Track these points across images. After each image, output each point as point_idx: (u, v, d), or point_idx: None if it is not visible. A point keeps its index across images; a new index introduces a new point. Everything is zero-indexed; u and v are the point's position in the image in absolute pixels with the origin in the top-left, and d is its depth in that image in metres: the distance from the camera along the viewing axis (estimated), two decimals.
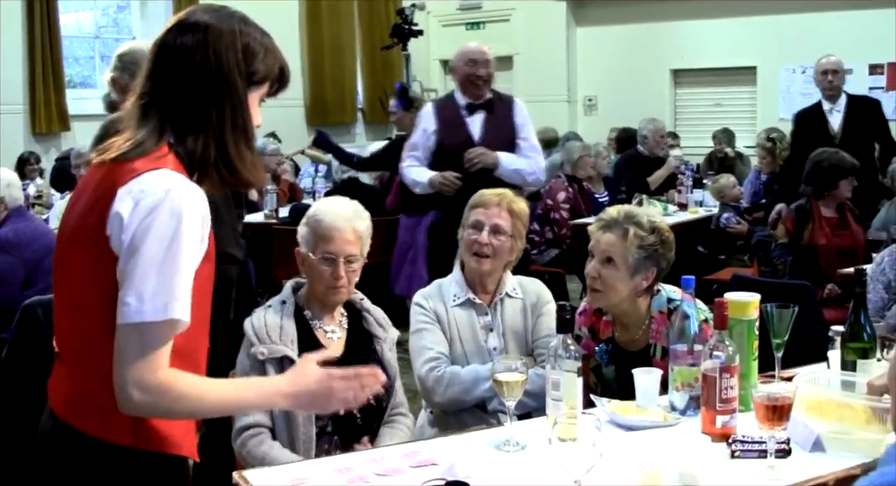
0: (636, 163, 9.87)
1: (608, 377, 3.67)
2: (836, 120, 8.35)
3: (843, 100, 8.41)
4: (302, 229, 3.49)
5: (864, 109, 8.46)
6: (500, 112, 6.52)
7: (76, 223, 2.27)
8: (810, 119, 8.50)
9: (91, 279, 2.20)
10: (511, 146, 6.42)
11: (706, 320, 3.35)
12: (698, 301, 3.42)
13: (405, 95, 9.19)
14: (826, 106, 8.42)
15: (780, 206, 7.54)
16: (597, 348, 3.68)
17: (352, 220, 3.50)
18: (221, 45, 2.26)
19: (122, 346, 2.15)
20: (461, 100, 6.52)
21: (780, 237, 6.87)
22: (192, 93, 2.25)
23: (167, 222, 2.14)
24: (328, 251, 3.44)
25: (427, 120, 6.57)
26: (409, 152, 6.65)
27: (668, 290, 3.62)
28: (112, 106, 4.95)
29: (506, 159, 6.35)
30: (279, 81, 2.40)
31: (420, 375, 3.75)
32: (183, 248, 2.16)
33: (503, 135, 6.45)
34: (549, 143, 12.25)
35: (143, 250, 2.12)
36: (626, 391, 3.37)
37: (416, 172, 6.50)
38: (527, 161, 6.43)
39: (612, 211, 3.63)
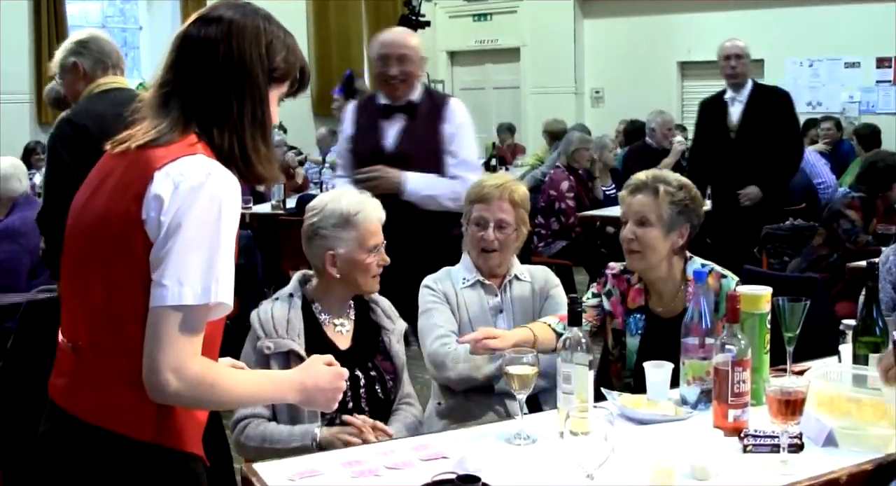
0: (644, 155, 9.84)
1: (630, 348, 3.64)
2: (736, 111, 7.68)
3: (748, 89, 7.69)
4: (335, 232, 3.44)
5: (769, 102, 7.68)
6: (424, 117, 5.07)
7: (102, 211, 2.23)
8: (711, 108, 7.91)
9: (123, 268, 2.17)
10: (436, 160, 4.99)
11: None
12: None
13: (349, 84, 8.97)
14: (729, 94, 7.77)
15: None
16: (630, 318, 3.67)
17: (378, 209, 3.53)
18: (245, 40, 2.27)
19: (159, 330, 2.12)
20: (380, 99, 5.19)
21: (856, 220, 6.80)
22: (214, 85, 2.25)
23: (208, 205, 2.14)
24: (373, 244, 3.47)
25: (347, 121, 5.28)
26: (337, 160, 5.63)
27: (699, 258, 3.69)
28: (59, 102, 4.86)
29: (414, 182, 4.92)
30: (299, 80, 2.41)
31: (430, 351, 3.73)
32: (223, 231, 2.16)
33: (425, 146, 5.00)
34: (558, 135, 12.23)
35: (183, 232, 2.11)
36: (642, 370, 3.33)
37: (338, 186, 5.05)
38: (448, 184, 4.94)
39: (640, 175, 3.68)
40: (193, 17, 2.33)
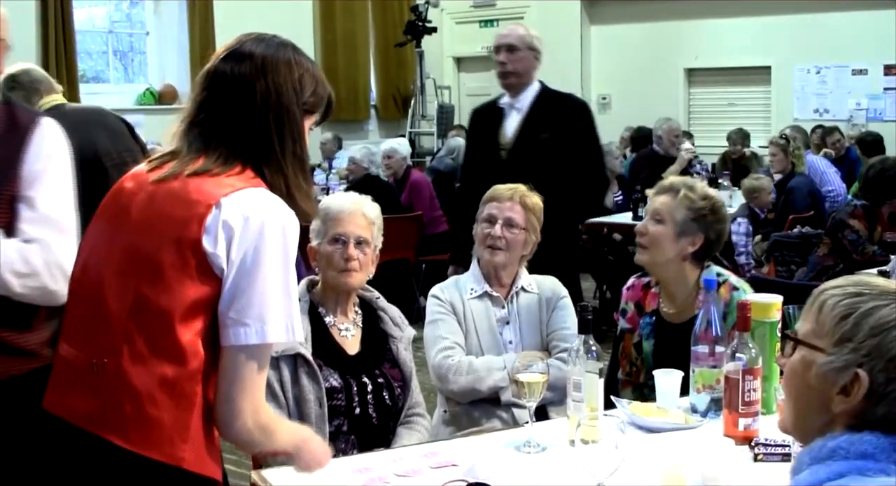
0: (652, 162, 9.83)
1: (646, 351, 3.69)
2: (512, 122, 5.53)
3: (530, 95, 5.56)
4: (314, 225, 3.47)
5: (557, 113, 5.50)
6: None
7: (154, 232, 2.20)
8: (482, 118, 5.77)
9: (177, 290, 2.15)
10: None
11: None
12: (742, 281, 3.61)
13: None
14: (505, 101, 5.62)
15: None
16: (642, 320, 3.73)
17: (360, 204, 3.51)
18: (280, 76, 2.28)
19: (239, 369, 2.16)
20: None
21: (860, 229, 6.78)
22: (255, 123, 2.26)
23: (281, 242, 2.17)
24: (337, 233, 3.43)
25: None
26: None
27: (717, 268, 3.71)
28: None
29: None
30: (326, 110, 2.42)
31: (434, 363, 3.74)
32: (292, 268, 2.19)
33: None
34: None
35: (262, 270, 2.14)
36: (659, 366, 3.36)
37: None
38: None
39: (673, 178, 3.80)
40: (221, 52, 2.33)
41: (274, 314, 2.15)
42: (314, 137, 13.49)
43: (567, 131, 5.44)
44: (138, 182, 2.31)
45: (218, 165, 2.22)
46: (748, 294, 3.47)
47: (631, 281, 3.87)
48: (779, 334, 3.17)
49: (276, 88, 2.26)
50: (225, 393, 2.17)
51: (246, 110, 2.25)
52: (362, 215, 3.48)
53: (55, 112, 4.57)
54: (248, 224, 2.14)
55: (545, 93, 5.61)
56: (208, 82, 2.30)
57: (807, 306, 1.85)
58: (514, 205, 3.87)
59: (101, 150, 4.35)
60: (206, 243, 2.14)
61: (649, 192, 3.79)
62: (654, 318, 3.71)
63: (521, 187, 3.96)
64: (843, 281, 1.83)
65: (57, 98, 4.73)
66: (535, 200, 3.95)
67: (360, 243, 3.44)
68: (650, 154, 10.06)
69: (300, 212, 2.29)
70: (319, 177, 11.22)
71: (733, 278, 3.63)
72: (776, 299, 3.19)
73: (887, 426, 1.70)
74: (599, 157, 5.76)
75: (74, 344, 2.29)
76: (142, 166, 2.35)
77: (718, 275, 3.63)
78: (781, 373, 3.14)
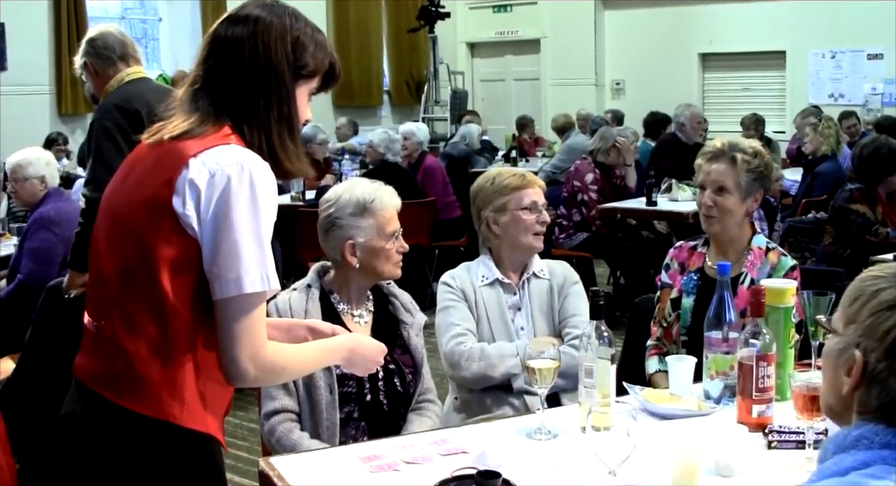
0: (675, 148, 9.78)
1: (685, 307, 3.76)
2: None
3: None
4: (353, 221, 3.42)
5: None
6: None
7: (131, 196, 2.30)
8: None
9: (148, 250, 2.23)
10: None
11: (794, 268, 3.66)
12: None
13: None
14: None
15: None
16: (686, 277, 3.78)
17: (393, 197, 3.52)
18: (271, 38, 2.33)
19: (229, 321, 2.23)
20: None
21: (866, 212, 6.74)
22: (242, 83, 2.32)
23: (248, 195, 2.21)
24: (393, 229, 3.47)
25: None
26: None
27: (764, 237, 3.85)
28: (95, 99, 4.97)
29: None
30: (329, 75, 2.45)
31: (446, 350, 3.72)
32: (264, 218, 2.24)
33: None
34: (564, 129, 12.19)
35: (232, 224, 2.19)
36: (697, 322, 3.46)
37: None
38: None
39: (716, 142, 3.82)
40: (225, 15, 2.40)
41: (249, 265, 2.20)
42: (330, 123, 13.53)
43: None
44: (138, 150, 2.40)
45: (197, 126, 2.28)
46: (791, 264, 3.66)
47: (679, 243, 3.96)
48: (793, 320, 3.15)
49: (264, 47, 2.32)
50: (221, 346, 2.25)
51: (234, 70, 2.31)
52: (394, 207, 3.52)
53: (138, 85, 4.64)
54: (214, 180, 2.20)
55: None
56: (208, 44, 2.37)
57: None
58: (538, 188, 3.90)
59: None
60: (176, 204, 2.21)
61: (698, 161, 3.81)
62: (699, 275, 3.77)
63: (525, 172, 3.98)
64: (881, 268, 1.82)
65: (139, 71, 4.76)
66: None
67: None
68: (672, 140, 9.98)
69: (284, 171, 2.36)
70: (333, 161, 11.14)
71: (779, 247, 3.79)
72: (790, 285, 3.16)
73: (886, 417, 1.69)
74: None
75: (88, 309, 2.40)
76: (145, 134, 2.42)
77: (767, 242, 3.78)
78: (796, 358, 3.16)
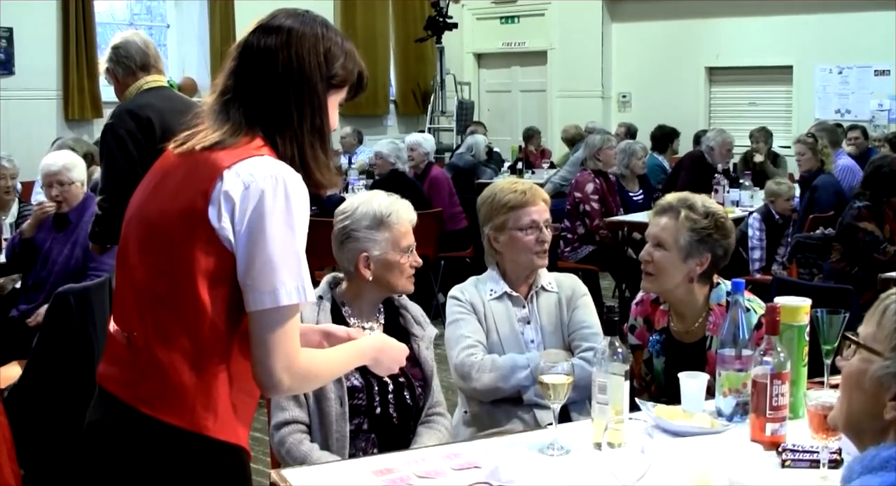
0: (699, 166, 9.93)
1: (657, 369, 3.64)
2: None
3: None
4: (368, 234, 3.42)
5: None
6: None
7: (166, 206, 2.28)
8: None
9: (183, 260, 2.22)
10: None
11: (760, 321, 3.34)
12: (755, 298, 3.49)
13: None
14: None
15: None
16: (651, 338, 3.66)
17: (409, 211, 3.51)
18: (304, 48, 2.33)
19: (264, 333, 2.23)
20: None
21: (874, 230, 6.73)
22: (275, 93, 2.31)
23: (283, 207, 2.21)
24: (409, 243, 3.47)
25: None
26: None
27: (728, 284, 3.56)
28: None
29: None
30: (358, 85, 2.47)
31: (457, 361, 3.71)
32: (299, 230, 2.24)
33: None
34: (574, 140, 12.20)
35: (268, 236, 2.19)
36: (672, 385, 3.32)
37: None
38: None
39: (670, 197, 3.64)
40: (254, 25, 2.38)
41: (284, 278, 2.20)
42: (335, 133, 13.49)
43: None
44: (165, 158, 2.38)
45: (229, 136, 2.27)
46: (759, 313, 3.39)
47: (640, 296, 3.78)
48: (807, 338, 3.13)
49: (298, 59, 2.31)
50: (255, 356, 2.25)
51: (267, 81, 2.31)
52: (409, 222, 3.51)
53: (153, 94, 4.68)
54: (248, 193, 2.20)
55: None
56: (238, 54, 2.36)
57: (871, 308, 1.83)
58: (542, 205, 3.85)
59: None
60: (212, 216, 2.20)
61: (649, 214, 3.66)
62: (663, 336, 3.64)
63: (531, 184, 3.97)
64: None
65: (158, 79, 4.79)
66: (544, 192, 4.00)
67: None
68: (699, 158, 10.07)
69: (315, 182, 2.35)
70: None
71: (742, 298, 3.31)
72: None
73: None
74: None
75: (115, 318, 2.38)
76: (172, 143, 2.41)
77: (729, 294, 3.49)
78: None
